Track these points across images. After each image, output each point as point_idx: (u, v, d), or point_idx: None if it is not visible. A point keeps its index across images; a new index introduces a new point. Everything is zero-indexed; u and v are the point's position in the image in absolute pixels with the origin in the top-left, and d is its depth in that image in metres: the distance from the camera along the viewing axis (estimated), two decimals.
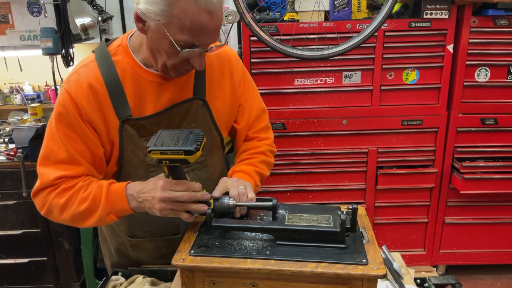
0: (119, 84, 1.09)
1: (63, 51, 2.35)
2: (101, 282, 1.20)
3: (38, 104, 2.73)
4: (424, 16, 2.28)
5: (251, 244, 0.97)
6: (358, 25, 2.30)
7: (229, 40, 2.68)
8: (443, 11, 2.27)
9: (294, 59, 2.25)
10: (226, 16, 2.09)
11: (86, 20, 2.55)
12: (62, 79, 2.56)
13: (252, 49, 2.36)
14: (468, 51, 2.35)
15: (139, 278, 1.20)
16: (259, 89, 1.38)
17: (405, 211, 2.64)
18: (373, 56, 2.36)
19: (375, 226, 2.65)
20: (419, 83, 2.43)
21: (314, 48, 2.22)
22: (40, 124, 2.40)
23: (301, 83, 2.42)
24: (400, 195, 2.59)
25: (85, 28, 2.51)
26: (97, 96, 1.08)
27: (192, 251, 0.94)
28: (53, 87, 2.76)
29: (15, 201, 2.33)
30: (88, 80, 1.08)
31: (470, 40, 2.33)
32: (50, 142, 1.09)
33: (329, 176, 2.57)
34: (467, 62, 2.37)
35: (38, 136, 2.24)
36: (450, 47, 2.35)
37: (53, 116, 1.09)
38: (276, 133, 1.59)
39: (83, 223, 1.10)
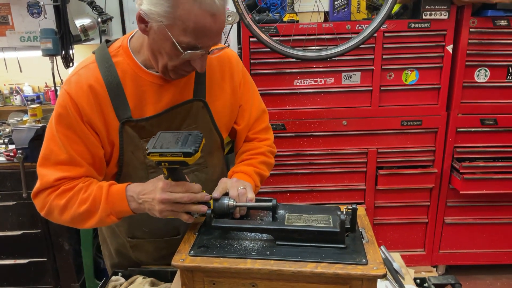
0: (120, 86, 1.09)
1: (63, 52, 2.34)
2: (101, 283, 1.20)
3: (38, 105, 2.74)
4: (424, 17, 2.28)
5: (251, 245, 0.97)
6: (357, 26, 2.30)
7: (229, 41, 2.68)
8: (443, 12, 2.27)
9: (294, 60, 2.26)
10: (225, 17, 2.09)
11: (86, 21, 2.55)
12: (62, 80, 2.56)
13: (251, 50, 2.36)
14: (468, 52, 2.35)
15: (139, 279, 1.20)
16: (259, 90, 1.38)
17: (405, 211, 2.64)
18: (372, 56, 2.36)
19: (375, 226, 2.65)
20: (419, 83, 2.43)
21: (313, 49, 2.22)
22: (40, 125, 2.40)
23: (300, 84, 2.42)
24: (399, 196, 2.59)
25: (84, 29, 2.52)
26: (98, 97, 1.08)
27: (192, 252, 0.94)
28: (53, 88, 2.76)
29: (15, 202, 2.33)
30: (88, 81, 1.07)
31: (470, 41, 2.34)
32: (50, 143, 1.09)
33: (329, 177, 2.57)
34: (467, 63, 2.37)
35: (38, 137, 2.24)
36: (449, 48, 2.35)
37: (53, 117, 1.09)
38: (276, 134, 1.59)
39: (83, 224, 1.10)
